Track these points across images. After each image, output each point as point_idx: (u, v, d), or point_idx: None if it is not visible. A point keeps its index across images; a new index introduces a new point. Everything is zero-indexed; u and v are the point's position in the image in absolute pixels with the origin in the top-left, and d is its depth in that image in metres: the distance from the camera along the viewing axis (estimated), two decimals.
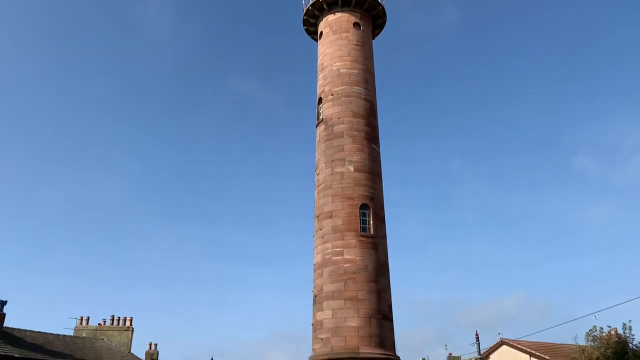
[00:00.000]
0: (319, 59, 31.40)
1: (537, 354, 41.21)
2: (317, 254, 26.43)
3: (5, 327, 38.53)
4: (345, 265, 24.95)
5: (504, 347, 43.35)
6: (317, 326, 25.10)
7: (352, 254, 25.08)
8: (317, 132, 29.70)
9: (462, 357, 56.15)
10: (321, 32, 31.76)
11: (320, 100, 30.08)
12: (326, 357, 23.52)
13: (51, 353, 38.89)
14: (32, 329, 41.94)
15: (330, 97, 29.19)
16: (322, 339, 24.39)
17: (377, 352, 23.49)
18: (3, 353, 35.44)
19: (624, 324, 36.18)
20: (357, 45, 30.29)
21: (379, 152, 28.82)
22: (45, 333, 42.56)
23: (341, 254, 25.22)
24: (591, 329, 36.38)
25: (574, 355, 35.84)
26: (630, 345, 34.97)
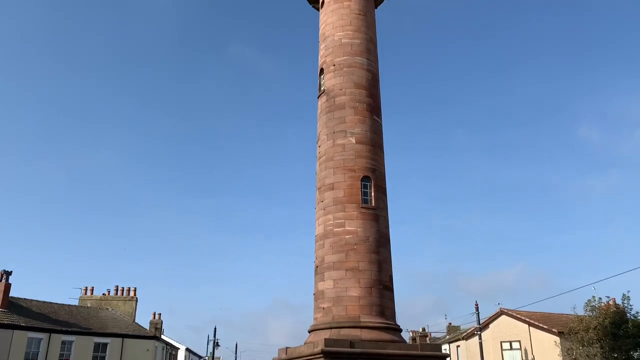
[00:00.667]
0: (321, 28, 30.96)
1: (536, 323, 41.83)
2: (319, 225, 26.54)
3: (11, 297, 39.14)
4: (346, 237, 25.07)
5: (503, 317, 43.96)
6: (318, 296, 25.38)
7: (354, 226, 25.17)
8: (319, 103, 29.50)
9: (461, 327, 57.14)
10: (323, 1, 31.22)
11: (321, 71, 29.78)
12: (327, 325, 23.84)
13: (57, 322, 39.59)
14: (38, 299, 42.62)
15: (332, 67, 28.88)
16: (323, 309, 24.69)
17: (377, 321, 23.79)
18: (10, 322, 36.10)
19: (623, 295, 36.70)
20: (360, 14, 29.80)
21: (380, 124, 28.67)
22: (50, 303, 43.27)
23: (342, 225, 25.32)
24: (590, 299, 36.92)
25: (572, 325, 36.38)
26: (628, 315, 35.47)
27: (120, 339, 41.50)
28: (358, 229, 25.15)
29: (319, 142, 28.57)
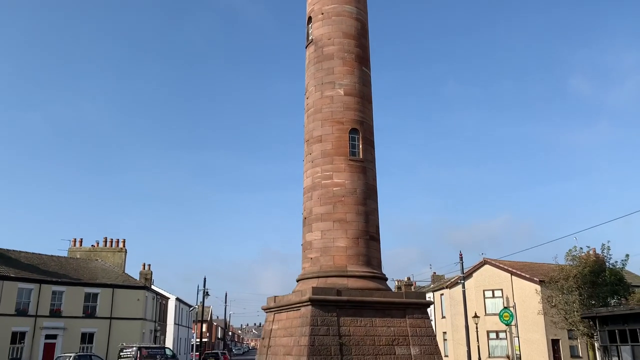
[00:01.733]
0: None
1: (518, 272, 42.98)
2: (307, 177, 26.62)
3: (0, 249, 39.18)
4: (334, 189, 25.22)
5: (487, 266, 45.05)
6: (306, 246, 25.75)
7: (341, 178, 25.29)
8: (307, 53, 29.01)
9: (445, 276, 58.61)
10: None
11: (309, 19, 29.12)
12: (315, 275, 24.31)
13: (47, 273, 39.89)
14: (27, 250, 42.73)
15: (320, 16, 28.24)
16: (311, 259, 25.11)
17: (364, 270, 24.30)
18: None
19: (603, 245, 37.70)
20: None
21: (369, 75, 28.35)
22: (39, 254, 43.44)
23: (330, 177, 25.43)
24: (571, 249, 37.89)
25: (553, 274, 37.45)
26: (607, 264, 36.55)
27: (111, 289, 42.03)
28: (346, 181, 25.29)
29: (307, 94, 28.27)
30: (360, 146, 25.96)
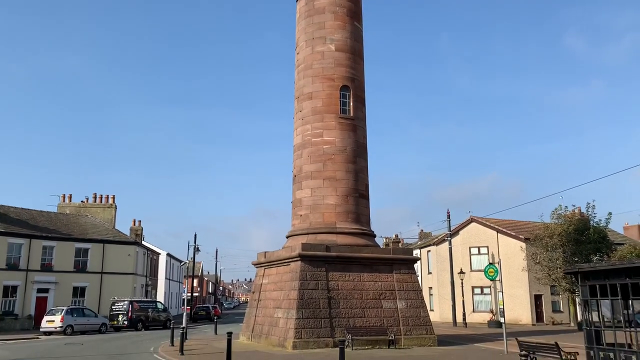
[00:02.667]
0: None
1: (504, 230, 43.73)
2: (297, 135, 26.54)
3: None
4: (324, 147, 25.21)
5: (473, 224, 45.74)
6: (296, 204, 25.94)
7: (332, 136, 25.24)
8: (298, 7, 28.39)
9: (433, 234, 59.51)
10: None
11: None
12: (305, 231, 24.60)
13: (36, 228, 39.94)
14: (15, 206, 42.57)
15: None
16: (301, 215, 25.34)
17: (352, 227, 24.61)
18: None
19: (588, 203, 38.32)
20: None
21: (361, 30, 27.89)
22: (28, 209, 43.34)
23: (320, 135, 25.37)
24: (557, 208, 38.47)
25: (538, 232, 38.16)
26: (591, 222, 37.24)
27: (101, 245, 42.27)
28: (336, 139, 25.26)
29: (297, 50, 27.85)
30: (351, 104, 25.81)
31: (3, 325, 34.65)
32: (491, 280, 21.21)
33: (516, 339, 16.90)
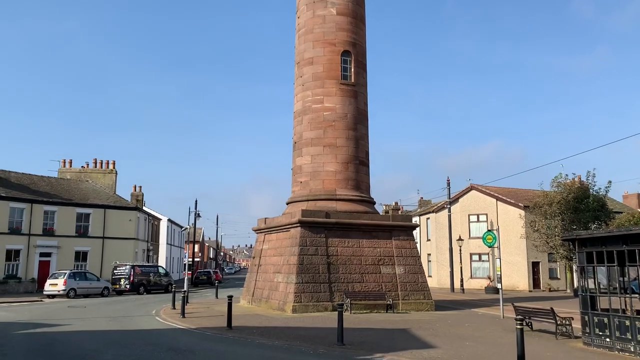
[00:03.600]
0: None
1: (503, 197, 43.86)
2: (297, 101, 26.34)
3: None
4: (324, 114, 25.06)
5: (473, 192, 45.85)
6: (296, 170, 25.95)
7: (332, 102, 25.06)
8: None
9: (432, 201, 59.70)
10: None
11: None
12: (305, 198, 24.69)
13: (37, 193, 40.06)
14: (16, 170, 42.62)
15: None
16: (301, 182, 25.39)
17: (352, 194, 24.69)
18: None
19: (588, 172, 38.36)
20: None
21: None
22: (29, 174, 43.38)
23: (321, 102, 25.18)
24: (557, 176, 38.50)
25: (537, 200, 38.28)
26: (591, 190, 37.30)
27: (102, 210, 42.45)
28: (337, 106, 25.08)
29: (298, 13, 27.37)
30: (352, 69, 25.52)
31: (7, 288, 35.16)
32: (489, 247, 21.38)
33: (512, 304, 17.16)
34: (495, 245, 20.92)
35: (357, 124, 25.37)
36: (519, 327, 10.16)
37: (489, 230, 21.58)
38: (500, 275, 20.61)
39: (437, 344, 13.52)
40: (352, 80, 25.41)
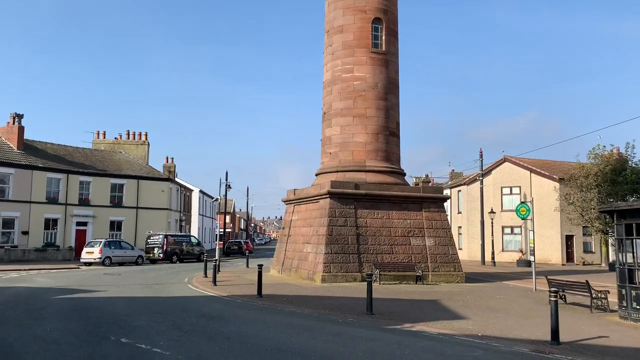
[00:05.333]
0: None
1: (537, 170, 42.89)
2: (327, 71, 25.99)
3: (26, 140, 40.11)
4: (354, 83, 24.69)
5: (506, 163, 44.93)
6: (325, 141, 25.78)
7: (362, 71, 24.64)
8: None
9: (464, 173, 58.86)
10: None
11: None
12: (334, 169, 24.57)
13: (73, 164, 41.03)
14: (52, 142, 43.64)
15: None
16: (330, 153, 25.23)
17: (382, 165, 24.44)
18: (28, 163, 37.44)
19: (627, 143, 36.98)
20: None
21: None
22: (65, 146, 44.42)
23: (351, 71, 24.79)
24: (594, 147, 37.30)
25: (573, 172, 37.27)
26: (630, 162, 36.08)
27: (136, 181, 43.24)
28: (367, 75, 24.66)
29: None
30: (383, 37, 24.95)
31: (46, 256, 36.40)
32: (522, 219, 20.95)
33: (546, 276, 16.86)
34: (529, 217, 20.49)
35: (388, 94, 24.93)
36: (553, 299, 9.96)
37: (522, 202, 21.13)
38: (534, 247, 20.24)
39: (467, 315, 13.40)
40: (383, 49, 24.87)
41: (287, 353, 8.39)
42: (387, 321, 12.26)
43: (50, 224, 38.26)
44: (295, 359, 8.03)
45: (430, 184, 55.92)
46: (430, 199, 24.15)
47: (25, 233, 36.38)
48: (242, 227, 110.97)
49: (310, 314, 13.24)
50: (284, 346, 8.96)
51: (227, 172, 52.13)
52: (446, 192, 46.25)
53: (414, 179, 59.25)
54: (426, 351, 8.90)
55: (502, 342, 10.05)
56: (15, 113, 38.69)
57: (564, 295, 16.08)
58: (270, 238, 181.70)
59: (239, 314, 12.97)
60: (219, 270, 21.91)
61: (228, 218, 74.40)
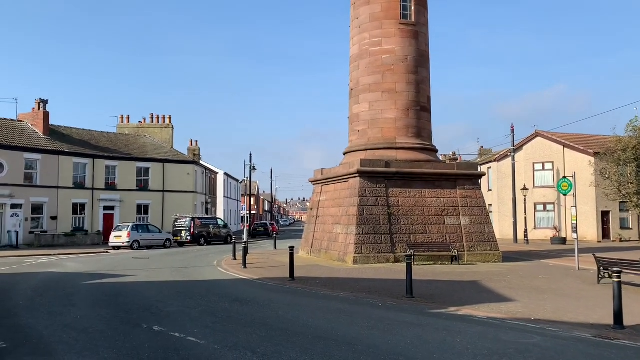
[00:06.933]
0: None
1: (571, 144, 41.37)
2: (353, 45, 25.06)
3: (51, 125, 40.15)
4: (383, 57, 23.73)
5: (538, 138, 43.45)
6: (353, 119, 24.96)
7: (391, 44, 23.64)
8: None
9: (493, 150, 57.36)
10: None
11: None
12: (363, 147, 23.78)
13: (98, 148, 41.00)
14: (77, 127, 43.69)
15: None
16: (358, 131, 24.43)
17: (413, 142, 23.56)
18: (54, 148, 37.49)
19: None
20: None
21: None
22: (90, 130, 44.43)
23: (379, 44, 23.81)
24: (632, 119, 35.64)
25: (609, 145, 35.78)
26: None
27: (161, 164, 43.11)
28: (396, 48, 23.65)
29: None
30: (413, 7, 23.82)
31: (75, 240, 36.58)
32: (564, 194, 19.97)
33: (593, 255, 15.94)
34: (571, 192, 19.50)
35: (418, 67, 23.91)
36: (616, 279, 9.16)
37: (564, 177, 20.10)
38: (576, 224, 19.28)
39: (514, 297, 12.65)
40: (413, 20, 23.78)
41: (330, 342, 7.79)
42: (429, 305, 11.60)
43: (78, 208, 38.43)
44: (341, 348, 7.43)
45: (457, 162, 54.68)
46: (465, 176, 23.23)
47: (54, 218, 36.58)
48: (266, 209, 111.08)
49: (347, 298, 12.65)
50: (325, 334, 8.37)
51: (250, 154, 51.75)
52: None
53: (441, 156, 58.00)
54: (480, 338, 8.22)
55: (559, 326, 9.31)
56: (40, 99, 38.70)
57: (612, 275, 15.14)
58: (294, 219, 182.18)
59: (273, 298, 12.45)
60: (247, 253, 21.48)
61: (252, 200, 74.32)
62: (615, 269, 9.48)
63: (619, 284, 9.13)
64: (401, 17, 23.54)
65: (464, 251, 21.78)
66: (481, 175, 24.85)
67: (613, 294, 9.14)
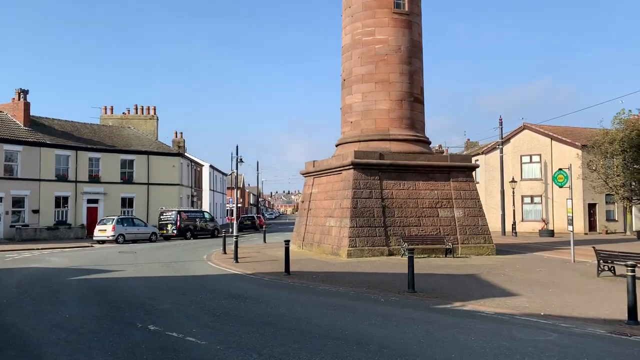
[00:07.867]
0: None
1: (559, 137, 41.45)
2: (346, 35, 24.58)
3: (32, 116, 39.00)
4: (376, 47, 23.29)
5: (526, 131, 43.48)
6: (346, 110, 24.52)
7: (384, 34, 23.20)
8: None
9: (479, 143, 57.41)
10: None
11: None
12: (356, 139, 23.37)
13: (81, 140, 39.96)
14: (59, 118, 42.56)
15: None
16: (351, 122, 24.01)
17: (407, 133, 23.22)
18: (35, 139, 36.42)
19: None
20: None
21: None
22: (72, 122, 43.29)
23: (372, 33, 23.36)
24: (619, 112, 35.82)
25: (596, 137, 35.88)
26: None
27: (146, 156, 42.21)
28: (389, 37, 23.22)
29: None
30: None
31: (58, 234, 35.65)
32: (560, 186, 19.83)
33: (593, 247, 15.77)
34: (567, 184, 19.33)
35: (412, 58, 23.53)
36: (630, 274, 8.87)
37: (560, 169, 19.93)
38: (572, 217, 19.12)
39: (517, 291, 12.37)
40: (406, 9, 23.36)
41: (339, 341, 7.39)
42: (433, 300, 11.26)
43: (60, 202, 37.44)
44: (352, 348, 7.03)
45: (450, 154, 54.61)
46: (458, 168, 22.97)
47: (36, 212, 35.58)
48: (251, 202, 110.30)
49: (347, 293, 12.26)
50: (332, 332, 7.96)
51: (237, 147, 50.72)
52: None
53: None
54: (493, 335, 7.88)
55: (570, 322, 9.02)
56: (20, 89, 37.51)
57: (613, 267, 15.01)
58: (279, 212, 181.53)
59: (270, 294, 12.00)
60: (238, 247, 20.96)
61: (238, 193, 73.56)
62: (629, 262, 9.21)
63: (633, 278, 8.86)
64: (394, 6, 23.10)
65: (458, 244, 21.55)
66: (474, 167, 24.64)
67: (627, 289, 8.88)
